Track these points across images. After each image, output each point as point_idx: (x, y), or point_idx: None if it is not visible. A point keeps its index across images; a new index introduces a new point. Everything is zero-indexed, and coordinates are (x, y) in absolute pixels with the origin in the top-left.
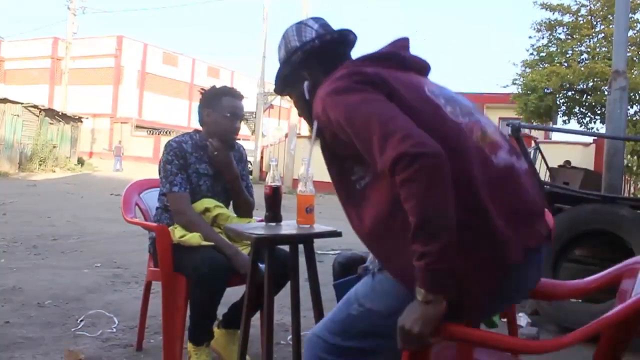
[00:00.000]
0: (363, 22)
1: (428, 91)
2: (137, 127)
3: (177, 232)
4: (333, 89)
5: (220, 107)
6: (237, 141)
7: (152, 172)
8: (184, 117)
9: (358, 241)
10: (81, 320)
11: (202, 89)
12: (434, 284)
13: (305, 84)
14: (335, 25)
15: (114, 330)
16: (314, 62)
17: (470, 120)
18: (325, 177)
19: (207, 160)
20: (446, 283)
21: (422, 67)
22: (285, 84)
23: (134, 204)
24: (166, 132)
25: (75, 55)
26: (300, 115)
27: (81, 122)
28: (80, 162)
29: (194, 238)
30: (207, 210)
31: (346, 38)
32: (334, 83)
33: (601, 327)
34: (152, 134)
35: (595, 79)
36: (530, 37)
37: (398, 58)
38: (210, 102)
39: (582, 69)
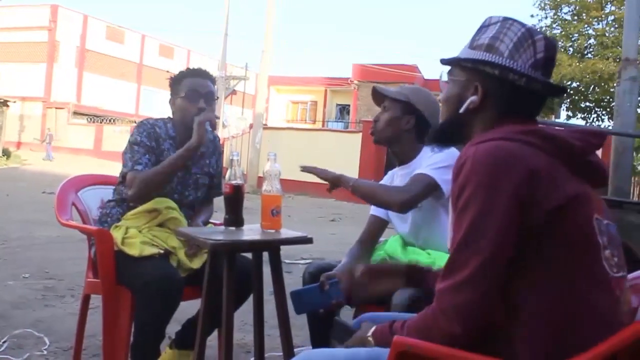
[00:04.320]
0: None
1: (595, 219)
2: (75, 113)
3: (118, 233)
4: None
5: (180, 89)
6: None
7: (92, 166)
8: (131, 102)
9: (331, 249)
10: (4, 342)
11: (170, 77)
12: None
13: (472, 98)
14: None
15: (45, 352)
16: (499, 91)
17: (620, 274)
18: (295, 175)
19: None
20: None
21: (596, 175)
22: (458, 66)
23: (70, 203)
24: (110, 120)
25: None
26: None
27: (7, 106)
28: (6, 153)
29: (133, 247)
30: (155, 210)
31: (554, 95)
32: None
33: (615, 346)
34: (93, 121)
35: (597, 76)
36: (532, 16)
37: (570, 152)
38: (173, 88)
39: (582, 65)
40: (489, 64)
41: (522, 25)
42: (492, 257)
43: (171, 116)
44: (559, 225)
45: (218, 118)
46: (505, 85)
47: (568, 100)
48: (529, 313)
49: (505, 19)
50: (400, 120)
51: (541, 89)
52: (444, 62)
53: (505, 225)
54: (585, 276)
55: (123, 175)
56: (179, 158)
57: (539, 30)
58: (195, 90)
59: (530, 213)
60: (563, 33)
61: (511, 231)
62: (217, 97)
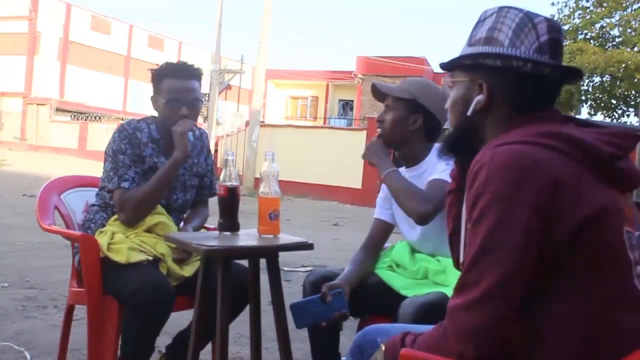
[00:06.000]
0: None
1: (626, 232)
2: (58, 110)
3: (103, 238)
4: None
5: (161, 92)
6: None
7: (76, 167)
8: (119, 98)
9: (333, 256)
10: None
11: (152, 69)
12: None
13: (478, 98)
14: None
15: None
16: (505, 84)
17: None
18: (295, 176)
19: (165, 152)
20: None
21: (626, 180)
22: (458, 68)
23: (52, 207)
24: (96, 117)
25: None
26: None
27: None
28: None
29: (120, 253)
30: None
31: (570, 80)
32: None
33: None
34: (78, 118)
35: (622, 67)
36: (552, 4)
37: (597, 159)
38: (155, 85)
39: (606, 55)
40: (489, 56)
41: (519, 10)
42: (509, 275)
43: (155, 114)
44: (585, 241)
45: (195, 125)
46: (510, 76)
47: (591, 98)
48: (550, 337)
49: (501, 8)
50: (407, 120)
51: (551, 72)
52: (444, 66)
53: (524, 241)
54: (614, 296)
55: (109, 190)
56: (166, 173)
57: (538, 13)
58: (176, 99)
59: (552, 228)
60: (586, 20)
61: (531, 247)
62: (207, 99)
